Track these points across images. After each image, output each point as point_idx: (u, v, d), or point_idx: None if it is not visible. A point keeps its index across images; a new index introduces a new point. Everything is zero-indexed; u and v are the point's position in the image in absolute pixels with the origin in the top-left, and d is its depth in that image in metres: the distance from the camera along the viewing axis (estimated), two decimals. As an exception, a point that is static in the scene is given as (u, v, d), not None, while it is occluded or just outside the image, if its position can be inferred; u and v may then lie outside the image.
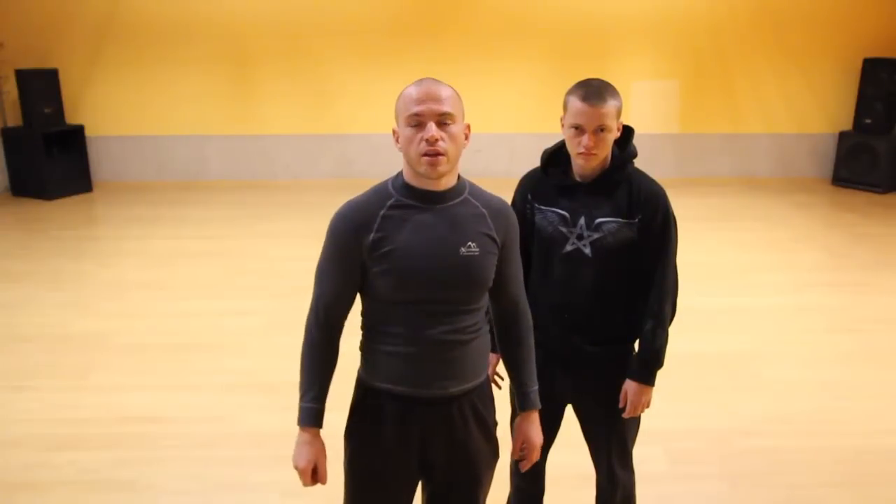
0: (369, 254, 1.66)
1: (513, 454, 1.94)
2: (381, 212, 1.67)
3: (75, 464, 3.04)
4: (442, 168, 1.62)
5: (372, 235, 1.65)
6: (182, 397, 3.57)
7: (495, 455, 1.90)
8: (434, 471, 1.82)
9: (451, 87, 1.65)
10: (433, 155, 1.60)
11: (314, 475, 1.76)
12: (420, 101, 1.61)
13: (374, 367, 1.76)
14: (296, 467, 1.75)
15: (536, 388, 1.90)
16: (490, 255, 1.73)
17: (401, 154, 1.69)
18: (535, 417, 1.90)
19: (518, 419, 1.92)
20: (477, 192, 1.77)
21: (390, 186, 1.71)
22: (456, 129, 1.63)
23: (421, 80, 1.65)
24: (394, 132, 1.70)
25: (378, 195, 1.70)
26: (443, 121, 1.61)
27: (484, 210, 1.74)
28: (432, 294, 1.67)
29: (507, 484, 2.44)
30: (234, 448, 3.16)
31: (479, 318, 1.77)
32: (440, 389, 1.72)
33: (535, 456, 1.91)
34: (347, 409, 1.83)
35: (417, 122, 1.61)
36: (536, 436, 1.90)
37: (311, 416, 1.74)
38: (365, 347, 1.79)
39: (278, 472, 2.98)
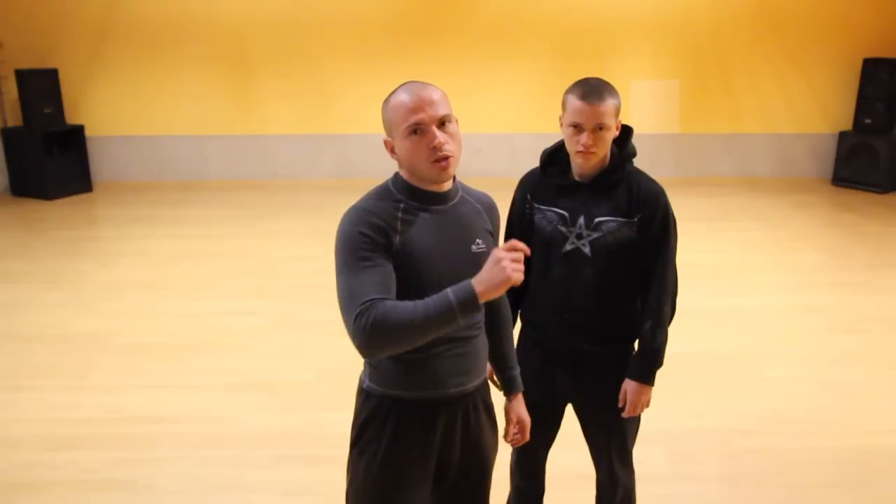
0: (395, 256, 1.60)
1: (506, 435, 1.98)
2: (399, 214, 1.64)
3: (75, 464, 3.04)
4: (452, 170, 1.63)
5: (399, 237, 1.61)
6: (182, 397, 3.57)
7: (497, 445, 1.94)
8: (449, 468, 1.82)
9: (437, 87, 1.65)
10: (443, 159, 1.59)
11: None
12: (417, 108, 1.58)
13: (387, 375, 1.71)
14: (509, 276, 1.46)
15: (518, 371, 1.97)
16: (492, 249, 1.73)
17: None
18: (521, 398, 1.98)
19: (509, 403, 1.97)
20: (468, 190, 1.79)
21: (394, 191, 1.68)
22: (454, 128, 1.63)
23: (407, 86, 1.63)
24: (386, 143, 1.67)
25: (387, 199, 1.66)
26: (442, 122, 1.61)
27: (479, 206, 1.78)
28: None
29: (507, 484, 2.44)
30: (234, 448, 3.16)
31: (482, 313, 1.79)
32: (459, 387, 1.73)
33: (527, 435, 1.99)
34: (351, 409, 1.79)
35: (419, 129, 1.59)
36: (527, 415, 1.98)
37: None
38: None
39: (278, 472, 2.98)
